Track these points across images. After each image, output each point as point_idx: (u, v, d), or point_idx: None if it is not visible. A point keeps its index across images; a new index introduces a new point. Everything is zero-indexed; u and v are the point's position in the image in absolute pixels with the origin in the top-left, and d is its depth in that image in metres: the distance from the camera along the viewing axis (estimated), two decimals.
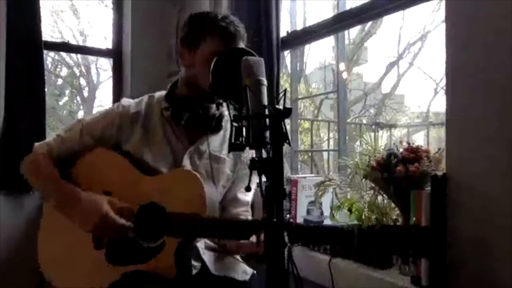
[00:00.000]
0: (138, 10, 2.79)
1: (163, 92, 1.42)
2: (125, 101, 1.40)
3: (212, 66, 0.93)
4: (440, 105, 7.29)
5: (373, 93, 7.59)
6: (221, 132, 1.43)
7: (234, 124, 0.81)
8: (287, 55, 2.88)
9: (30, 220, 2.25)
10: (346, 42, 4.00)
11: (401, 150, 1.49)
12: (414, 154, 1.44)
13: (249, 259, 1.39)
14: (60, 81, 7.67)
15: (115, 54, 2.90)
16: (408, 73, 7.49)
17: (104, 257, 1.28)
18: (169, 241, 1.21)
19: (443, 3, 1.39)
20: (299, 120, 3.23)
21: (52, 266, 1.37)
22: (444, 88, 1.41)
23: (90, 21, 7.88)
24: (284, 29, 2.41)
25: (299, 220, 1.82)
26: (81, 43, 7.03)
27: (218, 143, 1.42)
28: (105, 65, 6.94)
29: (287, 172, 2.36)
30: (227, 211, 1.41)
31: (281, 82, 2.51)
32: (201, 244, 1.38)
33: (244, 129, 0.80)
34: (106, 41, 6.04)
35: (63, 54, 6.95)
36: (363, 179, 1.59)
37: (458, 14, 1.33)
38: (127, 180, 1.32)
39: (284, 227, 0.75)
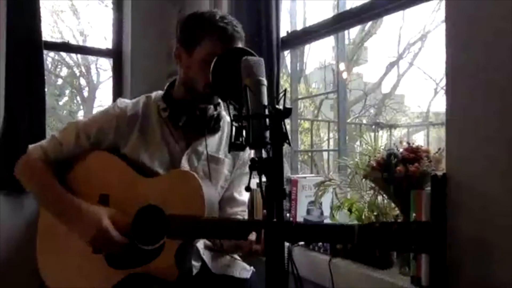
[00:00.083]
0: (138, 10, 2.79)
1: (160, 92, 1.41)
2: (121, 102, 1.38)
3: (212, 66, 0.93)
4: (440, 105, 7.30)
5: (373, 93, 7.59)
6: (219, 133, 1.42)
7: (234, 124, 0.81)
8: (287, 55, 2.88)
9: (30, 220, 2.25)
10: (346, 42, 4.00)
11: (401, 150, 1.49)
12: (414, 154, 1.44)
13: (248, 257, 1.39)
14: (60, 81, 7.66)
15: (115, 54, 2.90)
16: (408, 73, 7.49)
17: (104, 260, 1.27)
18: (169, 242, 1.20)
19: (443, 3, 1.39)
20: (299, 120, 3.23)
21: (51, 269, 1.36)
22: (444, 88, 1.41)
23: (90, 21, 7.84)
24: (284, 29, 2.42)
25: (299, 220, 1.82)
26: (81, 43, 7.01)
27: (215, 144, 1.42)
28: (105, 65, 6.94)
29: (287, 172, 2.36)
30: (224, 211, 1.41)
31: (281, 82, 2.51)
32: (200, 244, 1.38)
33: (244, 129, 0.80)
34: (106, 41, 6.03)
35: (63, 54, 6.94)
36: (363, 179, 1.59)
37: (458, 14, 1.33)
38: (125, 182, 1.31)
39: (284, 226, 0.75)
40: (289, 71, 2.97)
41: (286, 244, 0.79)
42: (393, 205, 1.55)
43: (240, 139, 0.80)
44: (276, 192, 0.75)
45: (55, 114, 6.93)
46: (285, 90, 0.85)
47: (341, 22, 2.13)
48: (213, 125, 1.38)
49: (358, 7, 2.02)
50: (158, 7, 2.78)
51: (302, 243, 1.77)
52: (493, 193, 1.22)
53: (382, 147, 1.61)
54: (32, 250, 1.39)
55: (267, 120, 0.77)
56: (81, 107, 7.93)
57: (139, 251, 1.24)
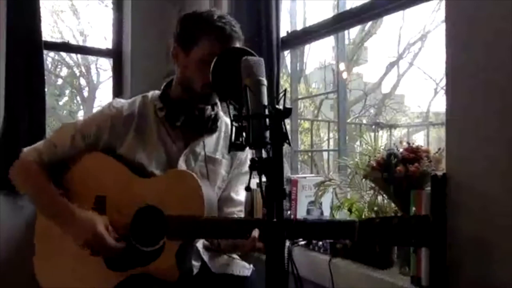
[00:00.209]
0: (138, 10, 2.79)
1: (156, 92, 1.39)
2: (117, 102, 1.37)
3: (212, 66, 0.93)
4: (440, 105, 7.31)
5: (373, 93, 7.59)
6: (216, 134, 1.41)
7: (234, 124, 0.81)
8: (287, 55, 2.88)
9: (30, 220, 2.24)
10: (346, 42, 4.00)
11: (401, 150, 1.49)
12: (414, 154, 1.44)
13: (247, 256, 1.39)
14: (60, 81, 7.66)
15: (115, 54, 2.90)
16: (408, 73, 7.49)
17: (102, 262, 1.26)
18: (169, 243, 1.19)
19: (443, 3, 1.39)
20: (299, 120, 3.23)
21: (47, 272, 1.35)
22: (444, 88, 1.41)
23: (90, 21, 7.85)
24: (284, 29, 2.42)
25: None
26: (81, 43, 7.02)
27: (213, 144, 1.41)
28: (105, 65, 6.94)
29: (287, 172, 2.36)
30: (221, 211, 1.40)
31: (281, 82, 2.51)
32: (200, 244, 1.38)
33: (244, 129, 0.80)
34: (106, 41, 6.04)
35: (63, 54, 6.94)
36: (363, 179, 1.59)
37: (458, 14, 1.33)
38: (121, 183, 1.29)
39: (285, 225, 0.75)
40: (289, 71, 2.97)
41: (287, 243, 0.79)
42: (393, 205, 1.55)
43: (240, 139, 0.80)
44: (276, 192, 0.75)
45: (55, 114, 6.93)
46: (285, 90, 0.85)
47: (341, 22, 2.13)
48: (211, 126, 1.37)
49: (358, 7, 2.02)
50: (158, 7, 2.78)
51: (302, 243, 1.77)
52: (493, 193, 1.22)
53: (382, 147, 1.62)
54: (32, 250, 1.38)
55: (267, 120, 0.77)
56: (81, 107, 7.93)
57: (138, 253, 1.23)
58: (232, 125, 0.81)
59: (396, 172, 1.42)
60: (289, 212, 1.85)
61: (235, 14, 2.25)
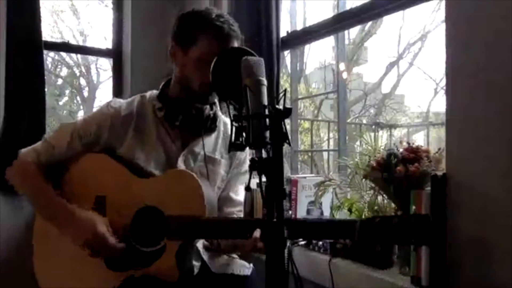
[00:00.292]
0: (138, 10, 2.79)
1: (154, 92, 1.38)
2: (115, 101, 1.36)
3: (212, 66, 0.93)
4: (440, 105, 7.30)
5: (373, 93, 7.59)
6: (215, 133, 1.40)
7: (234, 124, 0.81)
8: (287, 55, 2.88)
9: (29, 220, 2.22)
10: (346, 42, 4.00)
11: (401, 150, 1.49)
12: (414, 154, 1.44)
13: (247, 256, 1.39)
14: (60, 81, 7.66)
15: (115, 54, 2.90)
16: (408, 73, 7.49)
17: (102, 263, 1.26)
18: (170, 243, 1.19)
19: (443, 3, 1.39)
20: (299, 120, 3.23)
21: (46, 273, 1.34)
22: (444, 88, 1.41)
23: (90, 21, 7.85)
24: (284, 29, 2.42)
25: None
26: (81, 43, 7.02)
27: (211, 144, 1.40)
28: (105, 65, 6.94)
29: (287, 172, 2.36)
30: (220, 211, 1.40)
31: (281, 82, 2.51)
32: (200, 244, 1.37)
33: (244, 129, 0.80)
34: (106, 41, 6.04)
35: (63, 54, 6.94)
36: (363, 179, 1.59)
37: (458, 14, 1.33)
38: (121, 183, 1.29)
39: (285, 224, 0.75)
40: (289, 71, 2.97)
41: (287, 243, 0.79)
42: (393, 205, 1.55)
43: (240, 139, 0.80)
44: (276, 192, 0.75)
45: (55, 114, 6.93)
46: (285, 90, 0.85)
47: (341, 22, 2.13)
48: (210, 125, 1.37)
49: (358, 7, 2.02)
50: (158, 7, 2.78)
51: (302, 243, 1.77)
52: (493, 193, 1.22)
53: (382, 147, 1.62)
54: (32, 251, 1.38)
55: (267, 120, 0.77)
56: (81, 107, 7.93)
57: (139, 253, 1.23)
58: (232, 125, 0.81)
59: (396, 172, 1.42)
60: (290, 212, 1.85)
61: (235, 14, 2.25)
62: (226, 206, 1.43)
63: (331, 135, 5.28)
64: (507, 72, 1.18)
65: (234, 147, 0.81)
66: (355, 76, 7.73)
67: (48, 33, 6.47)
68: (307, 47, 6.30)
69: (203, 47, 1.24)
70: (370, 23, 6.22)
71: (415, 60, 7.24)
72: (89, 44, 8.28)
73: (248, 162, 0.76)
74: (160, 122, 1.34)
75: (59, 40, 5.57)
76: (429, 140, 4.60)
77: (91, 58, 7.02)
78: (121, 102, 1.36)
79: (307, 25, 2.44)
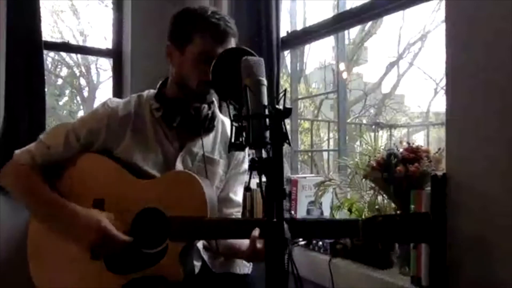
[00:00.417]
0: (138, 10, 2.79)
1: (151, 91, 1.37)
2: (112, 101, 1.33)
3: (212, 66, 0.93)
4: (440, 105, 7.31)
5: (373, 93, 7.59)
6: (213, 133, 1.39)
7: (234, 124, 0.81)
8: (287, 55, 2.88)
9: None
10: (346, 42, 4.00)
11: (401, 150, 1.49)
12: (414, 154, 1.44)
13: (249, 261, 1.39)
14: (60, 81, 7.66)
15: (115, 54, 2.90)
16: (408, 73, 7.49)
17: (103, 265, 1.23)
18: (173, 245, 1.17)
19: (443, 3, 1.39)
20: (299, 120, 3.24)
21: (44, 277, 1.30)
22: (444, 88, 1.41)
23: (90, 21, 7.84)
24: (284, 29, 2.42)
25: None
26: (81, 43, 7.01)
27: (210, 144, 1.39)
28: (105, 65, 6.93)
29: (287, 172, 2.36)
30: (220, 212, 1.38)
31: (281, 82, 2.51)
32: (200, 243, 1.37)
33: (244, 129, 0.80)
34: (106, 41, 6.04)
35: (63, 54, 6.93)
36: (363, 179, 1.59)
37: (458, 14, 1.33)
38: (119, 185, 1.26)
39: (287, 223, 0.75)
40: (289, 71, 2.97)
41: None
42: (393, 205, 1.55)
43: (240, 139, 0.80)
44: (276, 192, 0.75)
45: (55, 114, 6.93)
46: (285, 90, 0.85)
47: (341, 22, 2.14)
48: (208, 125, 1.35)
49: (358, 7, 2.02)
50: (158, 7, 2.77)
51: (302, 243, 1.77)
52: (493, 193, 1.22)
53: (382, 147, 1.62)
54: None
55: (267, 120, 0.77)
56: (81, 107, 7.92)
57: (141, 255, 1.21)
58: (232, 125, 0.81)
59: (396, 172, 1.42)
60: (292, 212, 1.85)
61: (235, 14, 2.25)
62: (226, 207, 1.41)
63: (331, 135, 5.29)
64: (507, 72, 1.18)
65: (234, 147, 0.81)
66: (355, 76, 7.73)
67: (48, 33, 6.47)
68: (307, 47, 6.32)
69: (200, 45, 1.23)
70: (370, 23, 6.22)
71: (415, 60, 7.25)
72: (89, 44, 8.27)
73: (246, 162, 0.76)
74: (157, 123, 1.32)
75: (59, 40, 5.57)
76: (429, 140, 4.61)
77: (91, 58, 7.02)
78: (118, 101, 1.34)
79: (307, 25, 2.44)
